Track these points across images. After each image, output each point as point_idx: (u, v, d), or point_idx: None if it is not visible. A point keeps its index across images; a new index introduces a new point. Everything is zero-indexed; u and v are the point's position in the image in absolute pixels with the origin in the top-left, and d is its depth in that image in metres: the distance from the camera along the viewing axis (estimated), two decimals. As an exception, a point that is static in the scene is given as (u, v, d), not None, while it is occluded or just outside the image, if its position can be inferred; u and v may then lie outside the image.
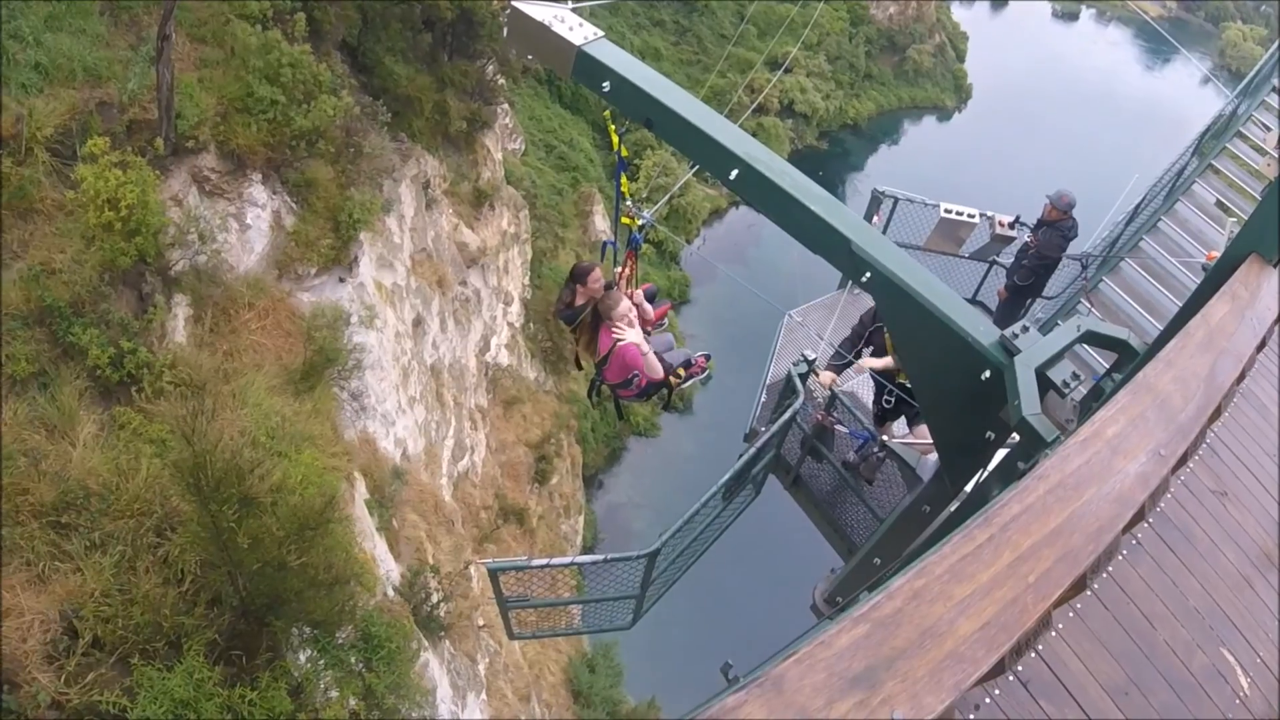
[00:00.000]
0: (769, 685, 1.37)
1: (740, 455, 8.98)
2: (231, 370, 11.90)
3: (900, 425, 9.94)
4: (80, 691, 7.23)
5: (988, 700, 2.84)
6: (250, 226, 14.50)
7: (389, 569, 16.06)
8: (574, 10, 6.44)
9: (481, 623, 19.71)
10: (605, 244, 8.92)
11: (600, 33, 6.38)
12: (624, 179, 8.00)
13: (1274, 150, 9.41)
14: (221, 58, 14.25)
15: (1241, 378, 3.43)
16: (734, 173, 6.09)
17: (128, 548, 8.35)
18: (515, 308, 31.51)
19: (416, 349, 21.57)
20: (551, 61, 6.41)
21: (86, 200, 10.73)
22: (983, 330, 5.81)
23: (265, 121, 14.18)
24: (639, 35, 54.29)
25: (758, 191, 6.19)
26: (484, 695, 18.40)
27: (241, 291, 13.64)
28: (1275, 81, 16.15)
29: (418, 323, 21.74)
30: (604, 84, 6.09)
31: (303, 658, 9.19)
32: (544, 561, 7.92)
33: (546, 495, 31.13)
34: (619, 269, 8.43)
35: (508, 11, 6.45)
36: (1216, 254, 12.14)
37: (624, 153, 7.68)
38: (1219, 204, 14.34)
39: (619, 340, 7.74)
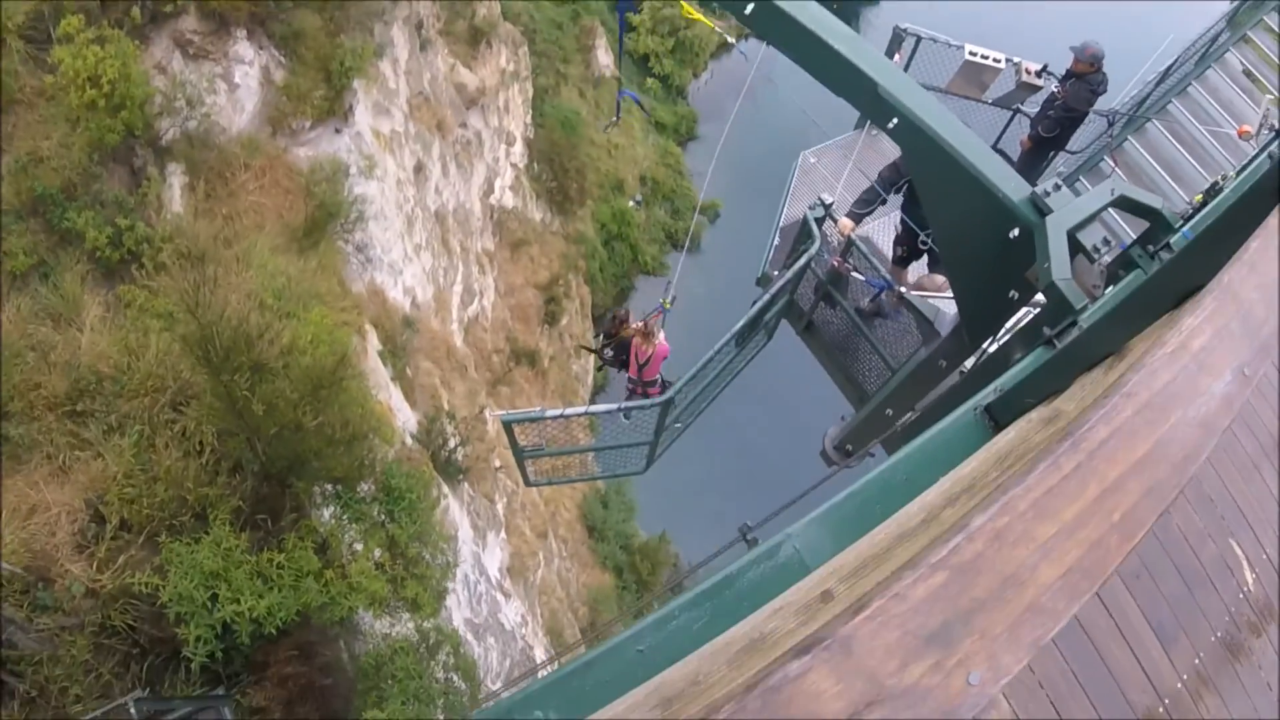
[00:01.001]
0: (836, 648, 1.17)
1: (754, 302, 8.73)
2: (233, 234, 11.52)
3: (919, 267, 9.62)
4: (113, 576, 7.29)
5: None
6: (239, 85, 13.69)
7: (406, 418, 16.19)
8: None
9: (498, 464, 20.10)
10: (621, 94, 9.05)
11: None
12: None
13: None
14: (195, -82, 13.04)
15: None
16: (749, 6, 5.51)
17: (145, 426, 8.25)
18: (518, 148, 30.43)
19: (419, 196, 20.93)
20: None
21: (66, 82, 10.25)
22: (1013, 186, 5.40)
23: (245, -25, 13.14)
24: None
25: (776, 27, 5.65)
26: (503, 534, 18.99)
27: (236, 153, 13.04)
28: None
29: (419, 169, 20.99)
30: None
31: (326, 514, 9.28)
32: (558, 412, 7.85)
33: (557, 336, 31.11)
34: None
35: None
36: (1250, 129, 11.42)
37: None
38: (1247, 74, 13.39)
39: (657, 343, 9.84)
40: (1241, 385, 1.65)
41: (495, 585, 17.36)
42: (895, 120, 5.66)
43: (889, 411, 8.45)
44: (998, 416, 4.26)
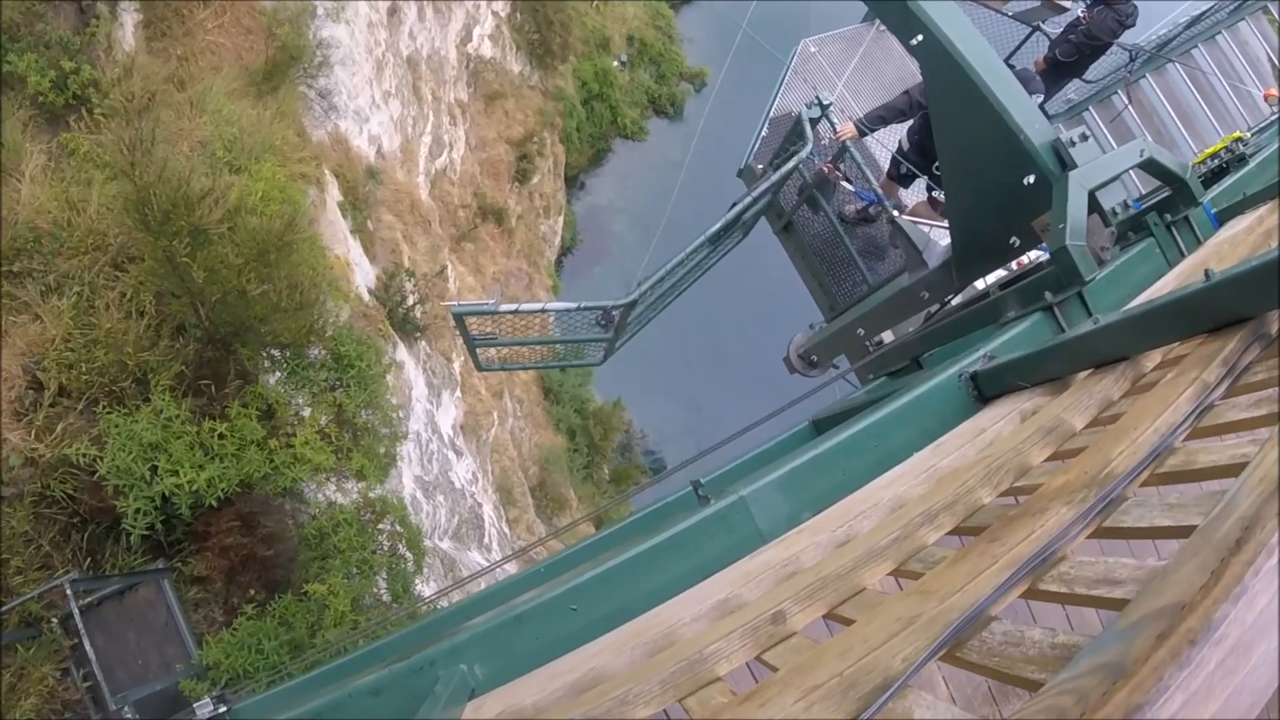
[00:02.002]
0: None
1: (733, 203, 8.23)
2: (187, 76, 10.48)
3: (916, 190, 9.14)
4: (51, 445, 6.85)
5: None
6: (203, -94, 12.22)
7: (365, 272, 15.57)
8: None
9: (458, 325, 19.62)
10: None
11: None
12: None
13: None
14: None
15: None
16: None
17: (84, 287, 7.63)
18: (501, -6, 28.53)
19: (392, 40, 19.51)
20: None
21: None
22: (1038, 129, 4.86)
23: None
24: None
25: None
26: (458, 392, 18.77)
27: (196, -13, 11.78)
28: None
29: (393, 11, 19.48)
30: None
31: (273, 380, 8.87)
32: (512, 307, 7.41)
33: (527, 195, 30.10)
34: None
35: None
36: (1276, 92, 10.77)
37: None
38: None
39: None
40: None
41: (447, 443, 17.25)
42: (920, 36, 5.06)
43: (860, 331, 8.14)
44: (984, 388, 3.93)
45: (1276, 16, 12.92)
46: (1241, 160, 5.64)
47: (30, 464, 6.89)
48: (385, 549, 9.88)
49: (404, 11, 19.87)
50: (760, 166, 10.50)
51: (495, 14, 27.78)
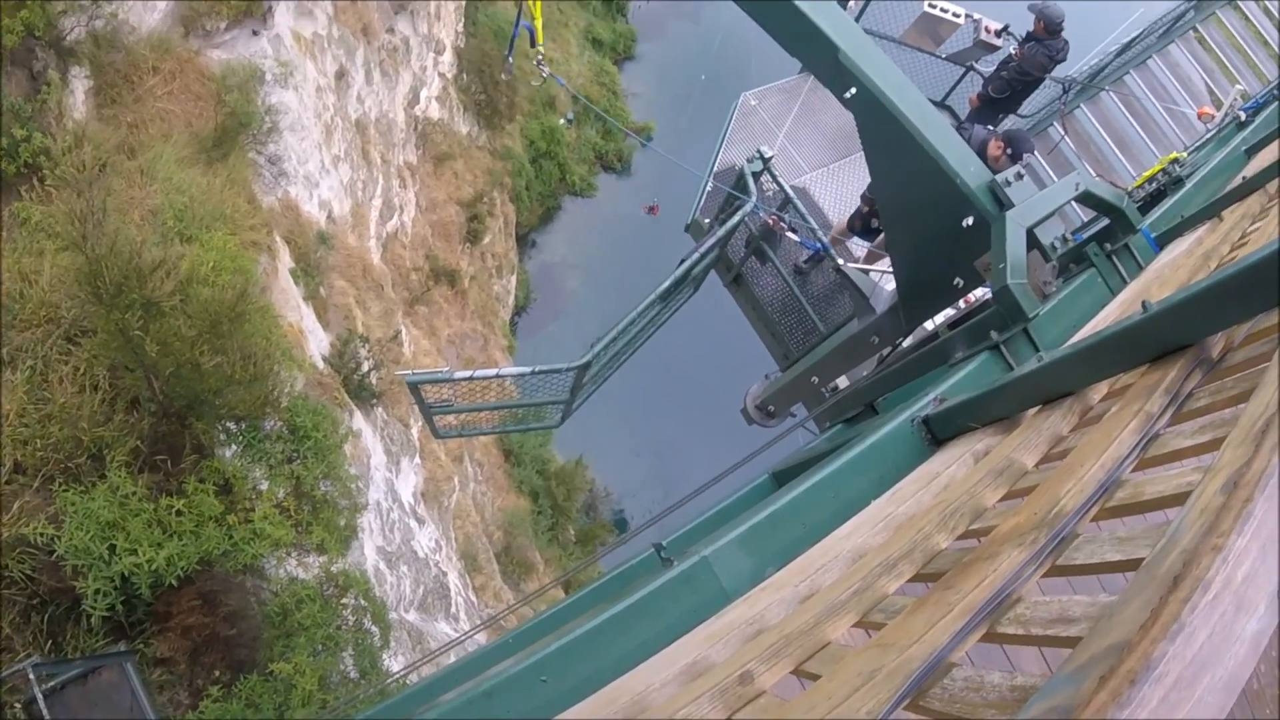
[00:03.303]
0: None
1: (681, 260, 8.39)
2: (137, 144, 10.46)
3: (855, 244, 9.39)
4: (8, 523, 6.67)
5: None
6: (151, -20, 12.36)
7: (319, 340, 15.46)
8: None
9: (415, 388, 19.49)
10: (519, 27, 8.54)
11: None
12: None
13: None
14: None
15: None
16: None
17: (38, 360, 7.51)
18: (447, 57, 28.88)
19: (340, 104, 19.65)
20: None
21: (-43, -22, 8.89)
22: (973, 172, 5.10)
23: None
24: None
25: (726, -28, 5.16)
26: (417, 458, 18.56)
27: (145, 55, 11.80)
28: None
29: (341, 75, 19.65)
30: None
31: (229, 454, 8.73)
32: (467, 374, 7.45)
33: (479, 255, 30.19)
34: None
35: None
36: (1210, 111, 11.32)
37: None
38: (1213, 56, 13.30)
39: None
40: (1271, 616, 1.41)
41: (409, 511, 17.00)
42: (854, 90, 5.28)
43: (815, 379, 8.29)
44: (936, 431, 4.05)
45: (1244, 9, 13.53)
46: (1178, 182, 5.91)
47: (-13, 543, 6.69)
48: (350, 624, 9.68)
49: (351, 75, 20.07)
50: (707, 220, 10.72)
51: (442, 75, 28.15)
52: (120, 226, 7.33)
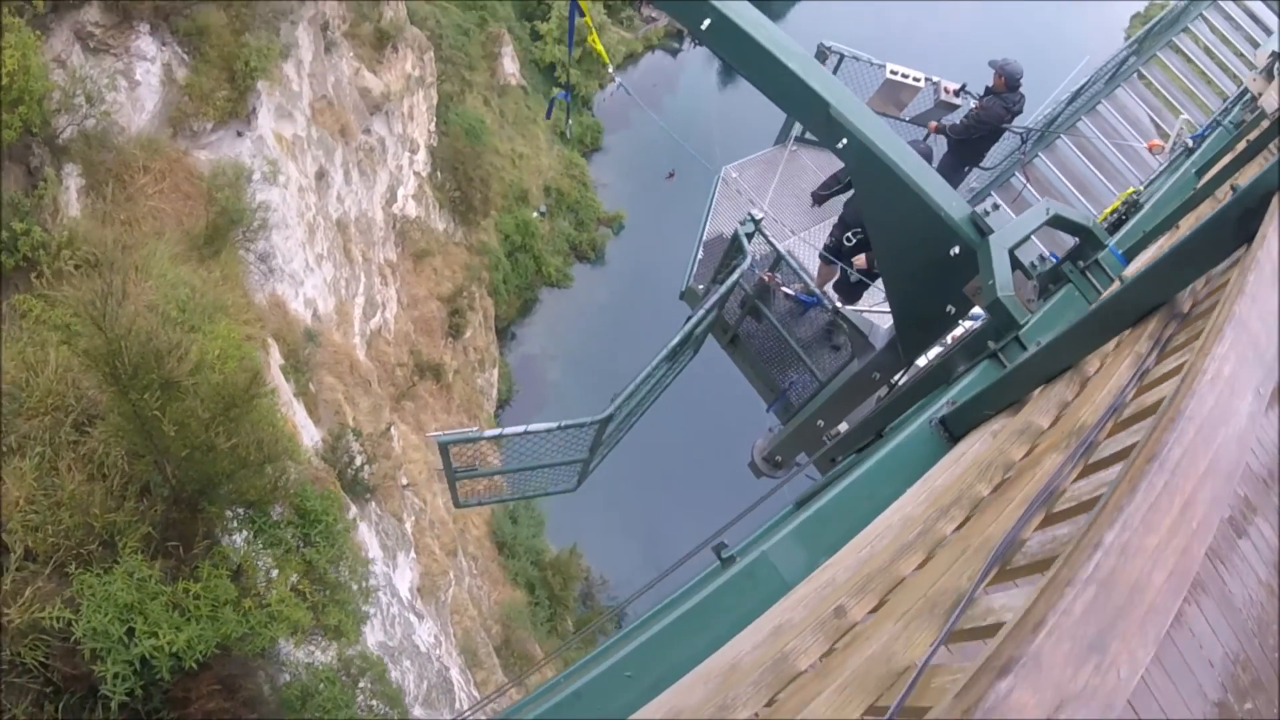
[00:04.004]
0: (1031, 664, 1.40)
1: (688, 318, 8.82)
2: (131, 241, 10.93)
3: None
4: (20, 610, 6.80)
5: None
6: (140, 83, 13.13)
7: (310, 435, 15.68)
8: None
9: (405, 482, 19.66)
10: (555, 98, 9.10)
11: None
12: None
13: (1261, 63, 9.21)
14: (99, -105, 12.47)
15: None
16: (706, 21, 5.61)
17: (46, 448, 7.74)
18: (421, 156, 29.97)
19: (321, 203, 20.37)
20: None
21: (-39, 73, 9.46)
22: (955, 206, 5.65)
23: (151, -35, 12.64)
24: None
25: (731, 44, 5.75)
26: (412, 553, 18.57)
27: (135, 154, 12.45)
28: None
29: (321, 175, 20.43)
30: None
31: (239, 540, 8.91)
32: (496, 433, 7.72)
33: (461, 349, 30.71)
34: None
35: None
36: (1160, 143, 12.21)
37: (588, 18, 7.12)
38: (1157, 93, 14.34)
39: None
40: (1258, 403, 1.87)
41: (407, 606, 16.94)
42: (845, 140, 5.84)
43: (820, 423, 8.66)
44: (953, 429, 4.44)
45: (1184, 49, 14.51)
46: (1138, 206, 6.49)
47: (-1, 630, 6.80)
48: (365, 709, 9.69)
49: (331, 175, 20.83)
50: (701, 286, 11.22)
51: (417, 174, 29.13)
52: (137, 310, 7.67)
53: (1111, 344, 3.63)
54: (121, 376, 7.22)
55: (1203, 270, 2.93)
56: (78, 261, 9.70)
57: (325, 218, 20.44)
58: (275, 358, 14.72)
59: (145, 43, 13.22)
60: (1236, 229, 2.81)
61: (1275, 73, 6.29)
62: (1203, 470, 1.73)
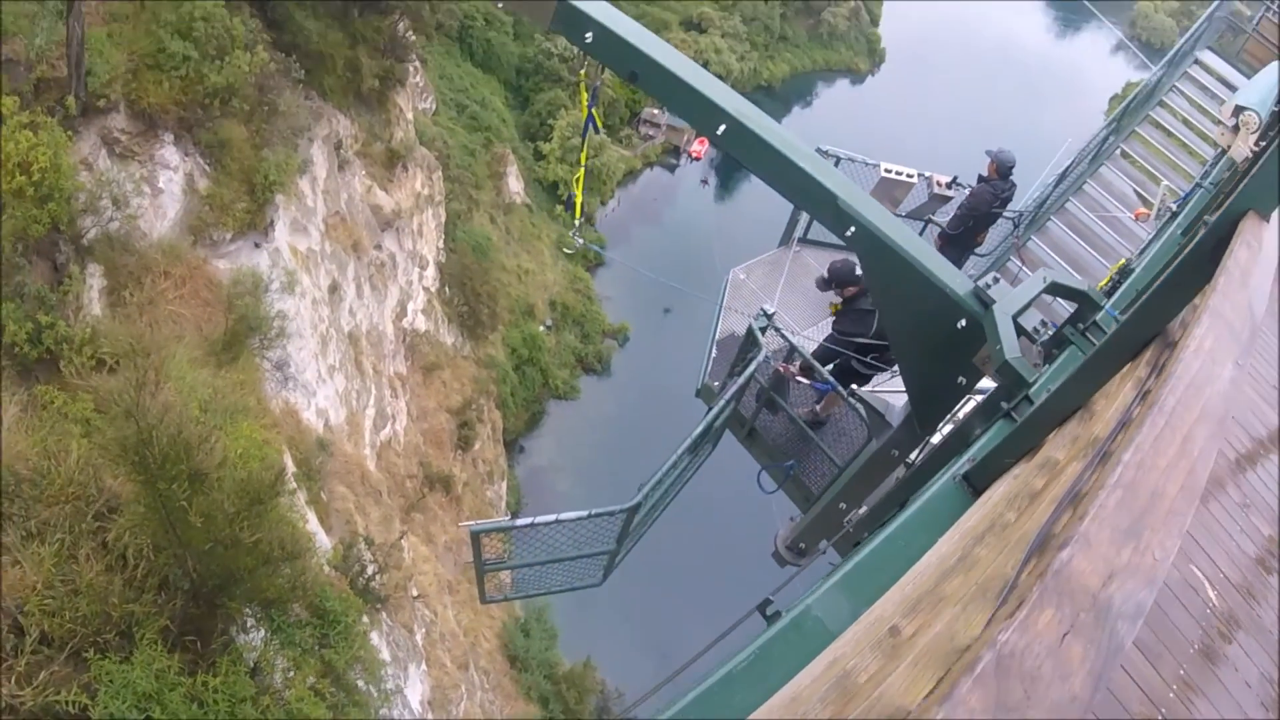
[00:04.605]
0: (1083, 542, 1.82)
1: (709, 409, 9.07)
2: (151, 343, 11.35)
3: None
4: (35, 693, 6.85)
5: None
6: (163, 190, 13.83)
7: (322, 543, 15.72)
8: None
9: (416, 593, 19.53)
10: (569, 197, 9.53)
11: (581, -20, 6.22)
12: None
13: (1228, 120, 9.87)
14: (132, 11, 13.55)
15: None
16: (721, 128, 6.09)
17: (66, 535, 7.91)
18: (431, 272, 30.92)
19: (334, 316, 20.97)
20: (530, 13, 6.24)
21: (-4, 165, 10.09)
22: (959, 282, 6.02)
23: (178, 78, 13.58)
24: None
25: (745, 147, 6.21)
26: (423, 665, 18.29)
27: (156, 259, 13.02)
28: (1197, 54, 16.92)
29: (334, 289, 21.12)
30: (586, 35, 5.96)
31: (256, 638, 8.94)
32: (528, 521, 7.85)
33: (470, 461, 30.90)
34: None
35: (486, -38, 6.26)
36: (1145, 212, 12.79)
37: (597, 117, 7.63)
38: (1139, 166, 15.06)
39: None
40: (1238, 372, 2.23)
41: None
42: (853, 228, 6.24)
43: (842, 505, 8.80)
44: (975, 482, 4.66)
45: (1161, 122, 15.12)
46: (1130, 272, 6.86)
47: (11, 711, 6.80)
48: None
49: (344, 288, 21.49)
50: (716, 383, 11.54)
51: (426, 289, 29.94)
52: (167, 403, 7.96)
53: (1116, 379, 3.92)
54: (151, 466, 7.45)
55: (1188, 299, 3.27)
56: (99, 358, 10.05)
57: (338, 330, 21.00)
58: (288, 465, 14.92)
59: (169, 152, 13.99)
60: (1211, 256, 3.19)
61: (1240, 124, 6.75)
62: (1196, 415, 2.06)
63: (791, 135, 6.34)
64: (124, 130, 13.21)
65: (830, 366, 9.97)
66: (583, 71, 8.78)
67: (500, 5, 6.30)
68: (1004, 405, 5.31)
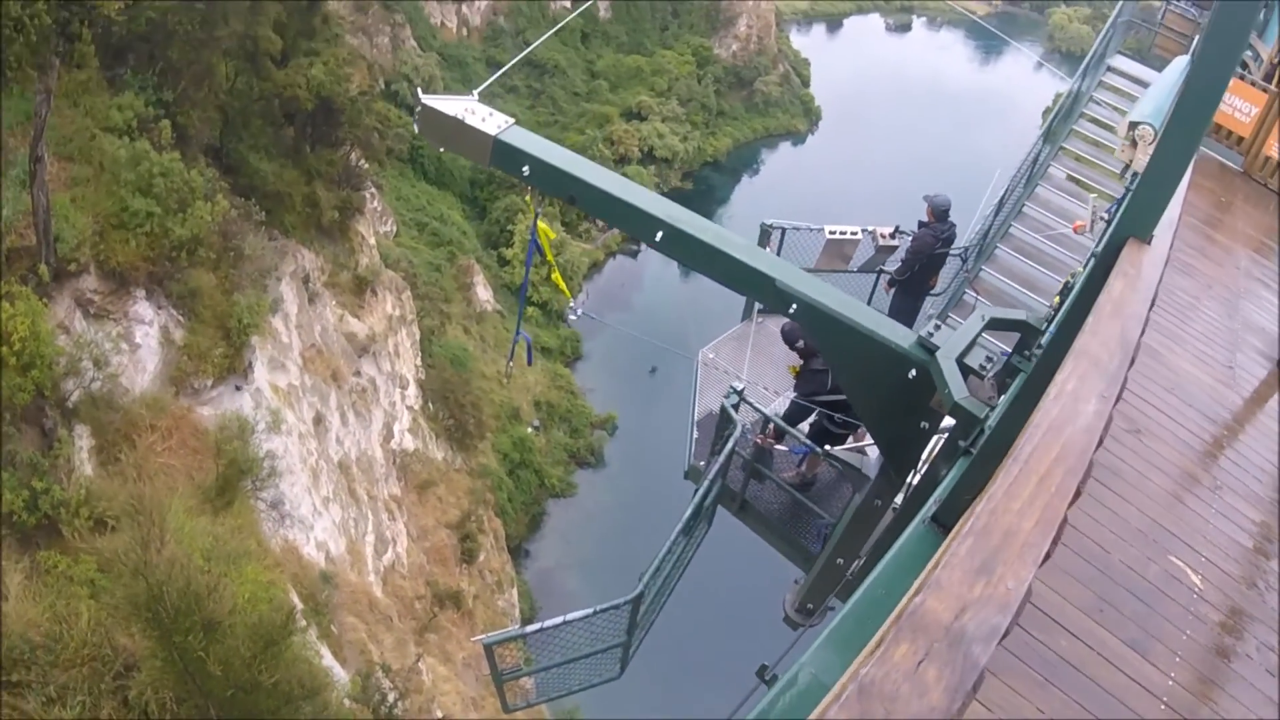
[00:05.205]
0: (935, 586, 2.15)
1: (695, 491, 9.43)
2: (149, 499, 11.64)
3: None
4: None
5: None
6: (140, 345, 14.27)
7: (339, 677, 15.73)
8: (481, 100, 6.89)
9: (440, 714, 19.40)
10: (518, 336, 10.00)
11: (511, 120, 6.80)
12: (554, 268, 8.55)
13: (1124, 137, 10.49)
14: (92, 174, 14.10)
15: (1143, 331, 4.30)
16: (659, 235, 6.58)
17: (87, 697, 8.12)
18: (412, 390, 31.35)
19: (322, 447, 21.28)
20: (468, 152, 6.80)
21: (-26, 339, 10.48)
22: (902, 335, 6.50)
23: (143, 235, 14.08)
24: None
25: (684, 249, 6.70)
26: (453, 793, 18.06)
27: (141, 413, 13.37)
28: (1109, 61, 17.80)
29: (318, 420, 21.48)
30: (523, 168, 6.51)
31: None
32: (537, 626, 8.10)
33: (477, 573, 30.82)
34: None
35: (419, 110, 6.84)
36: (1082, 223, 13.40)
37: (548, 253, 8.17)
38: (1071, 179, 15.77)
39: None
40: (1103, 404, 2.65)
41: None
42: (795, 306, 6.74)
43: (840, 561, 9.11)
44: (945, 521, 5.06)
45: (1085, 133, 15.69)
46: (1069, 288, 7.34)
47: None
48: None
49: (328, 419, 21.84)
50: (702, 463, 11.92)
51: (410, 408, 30.31)
52: (174, 557, 8.25)
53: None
54: (164, 620, 7.72)
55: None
56: (96, 519, 10.34)
57: (327, 461, 21.28)
58: (295, 602, 15.05)
59: (142, 307, 14.44)
60: (1105, 275, 3.69)
61: (1137, 138, 7.25)
62: (1055, 455, 2.48)
63: (724, 230, 6.89)
64: (96, 290, 13.68)
65: (806, 427, 10.40)
66: (527, 198, 9.40)
67: (441, 150, 6.88)
68: (962, 444, 5.73)
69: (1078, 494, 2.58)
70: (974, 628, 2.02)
